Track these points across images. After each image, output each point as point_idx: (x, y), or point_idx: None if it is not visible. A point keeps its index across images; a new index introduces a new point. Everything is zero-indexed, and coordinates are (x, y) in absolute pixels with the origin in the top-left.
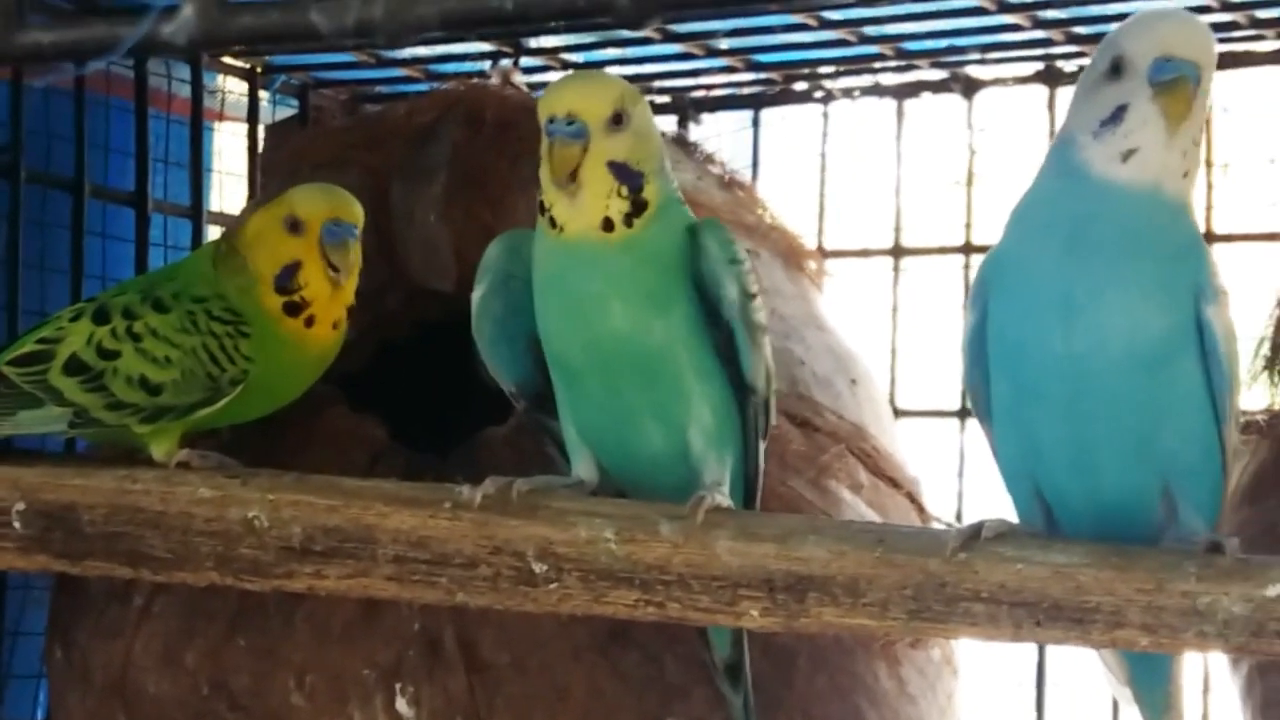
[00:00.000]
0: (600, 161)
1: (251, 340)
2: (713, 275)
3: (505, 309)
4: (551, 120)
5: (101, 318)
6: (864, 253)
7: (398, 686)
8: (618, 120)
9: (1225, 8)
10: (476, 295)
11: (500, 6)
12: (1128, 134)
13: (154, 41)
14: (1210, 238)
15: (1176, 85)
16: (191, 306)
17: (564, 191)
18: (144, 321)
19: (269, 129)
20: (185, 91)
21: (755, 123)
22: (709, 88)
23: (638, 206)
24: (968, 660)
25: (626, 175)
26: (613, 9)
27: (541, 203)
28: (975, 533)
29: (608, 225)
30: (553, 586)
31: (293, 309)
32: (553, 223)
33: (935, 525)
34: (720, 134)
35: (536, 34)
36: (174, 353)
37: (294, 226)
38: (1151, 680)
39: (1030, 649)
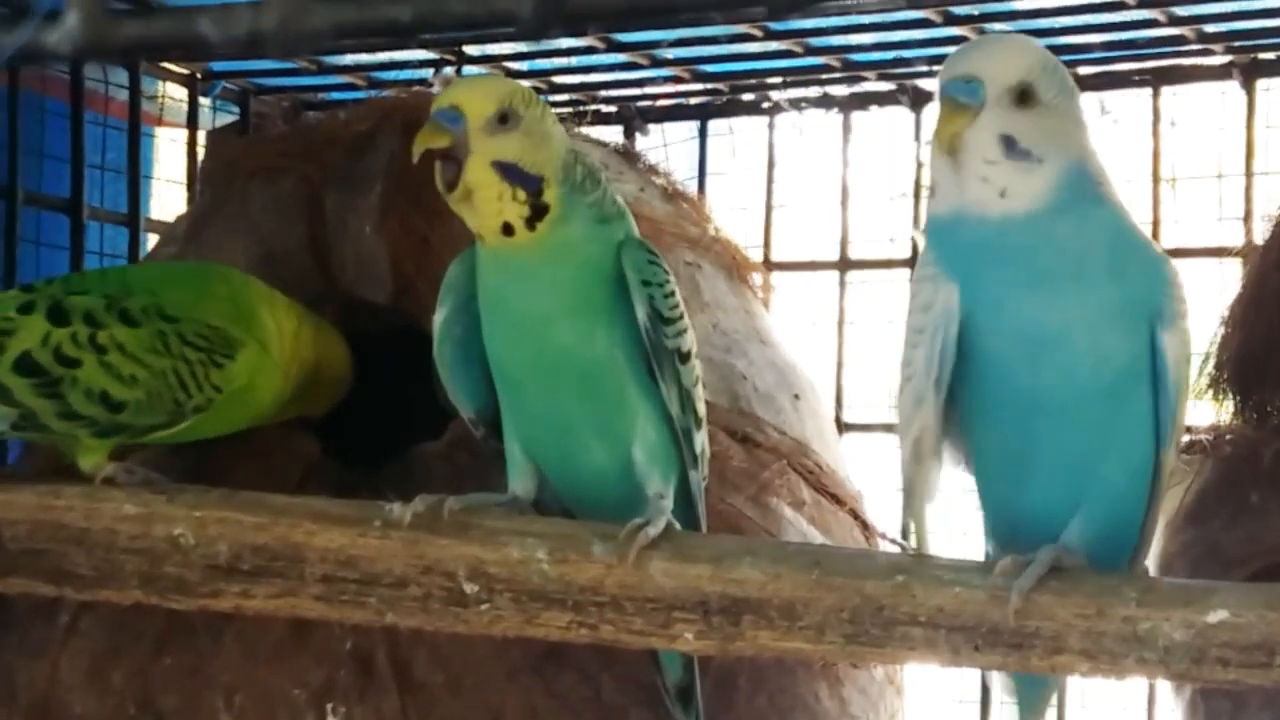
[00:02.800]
0: (484, 162)
1: (238, 364)
2: (631, 294)
3: (466, 332)
4: (435, 112)
5: (59, 318)
6: (810, 265)
7: (329, 707)
8: (503, 120)
9: (1172, 22)
10: (438, 319)
11: (397, 16)
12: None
13: (37, 49)
14: None
15: (941, 105)
16: (163, 326)
17: (457, 199)
18: (110, 333)
19: (209, 135)
20: (123, 96)
21: (702, 133)
22: (655, 98)
23: (537, 210)
24: (912, 678)
25: (519, 177)
26: (513, 19)
27: None
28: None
29: (508, 229)
30: (484, 607)
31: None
32: (476, 232)
33: (880, 542)
34: (667, 144)
35: (451, 43)
36: (141, 372)
37: None
38: (1032, 678)
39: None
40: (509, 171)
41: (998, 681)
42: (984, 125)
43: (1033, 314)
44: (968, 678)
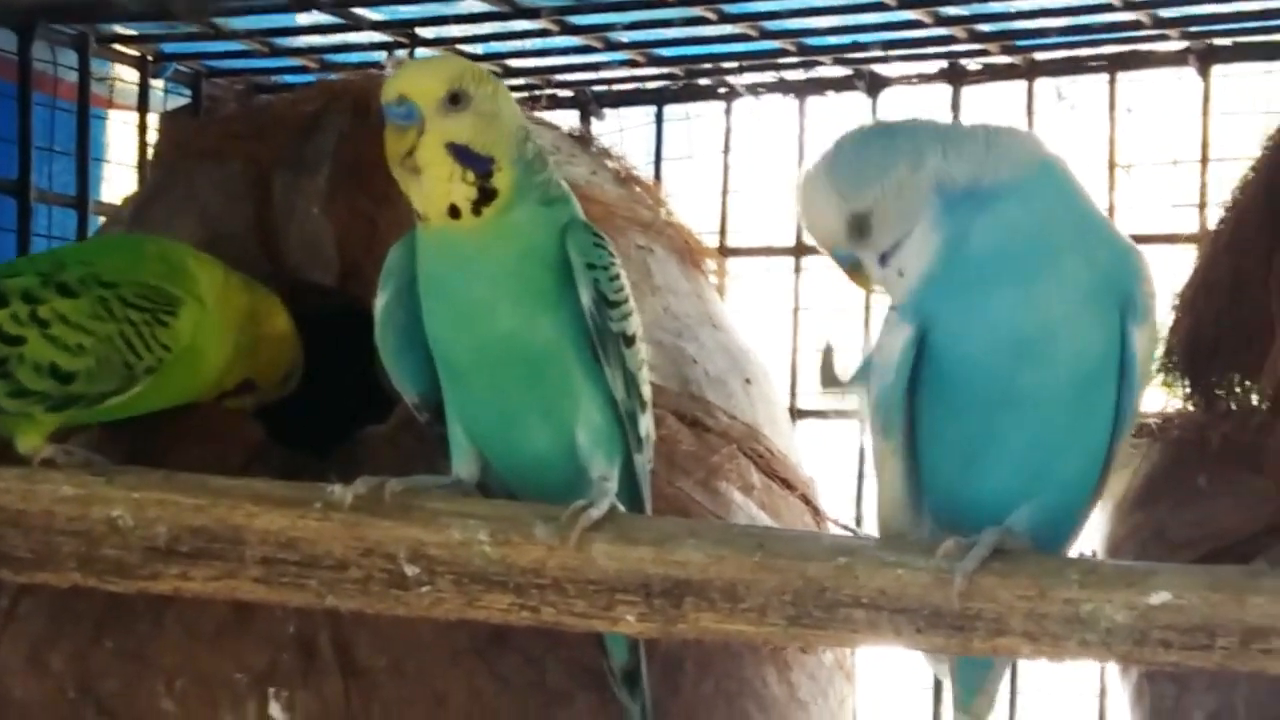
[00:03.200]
0: (438, 143)
1: (182, 321)
2: (576, 278)
3: (409, 316)
4: (385, 106)
5: None
6: (766, 251)
7: (271, 691)
8: (455, 100)
9: (1128, 7)
10: (379, 304)
11: None
12: None
13: None
14: None
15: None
16: (102, 292)
17: (409, 177)
18: (50, 306)
19: (162, 118)
20: (72, 77)
21: (658, 118)
22: (611, 82)
23: (485, 194)
24: (865, 665)
25: (470, 159)
26: None
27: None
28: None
29: (454, 212)
30: (425, 589)
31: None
32: (417, 214)
33: (831, 527)
34: (624, 129)
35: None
36: (88, 340)
37: None
38: (973, 664)
39: None
40: (461, 153)
41: (941, 671)
42: (868, 265)
43: (1011, 312)
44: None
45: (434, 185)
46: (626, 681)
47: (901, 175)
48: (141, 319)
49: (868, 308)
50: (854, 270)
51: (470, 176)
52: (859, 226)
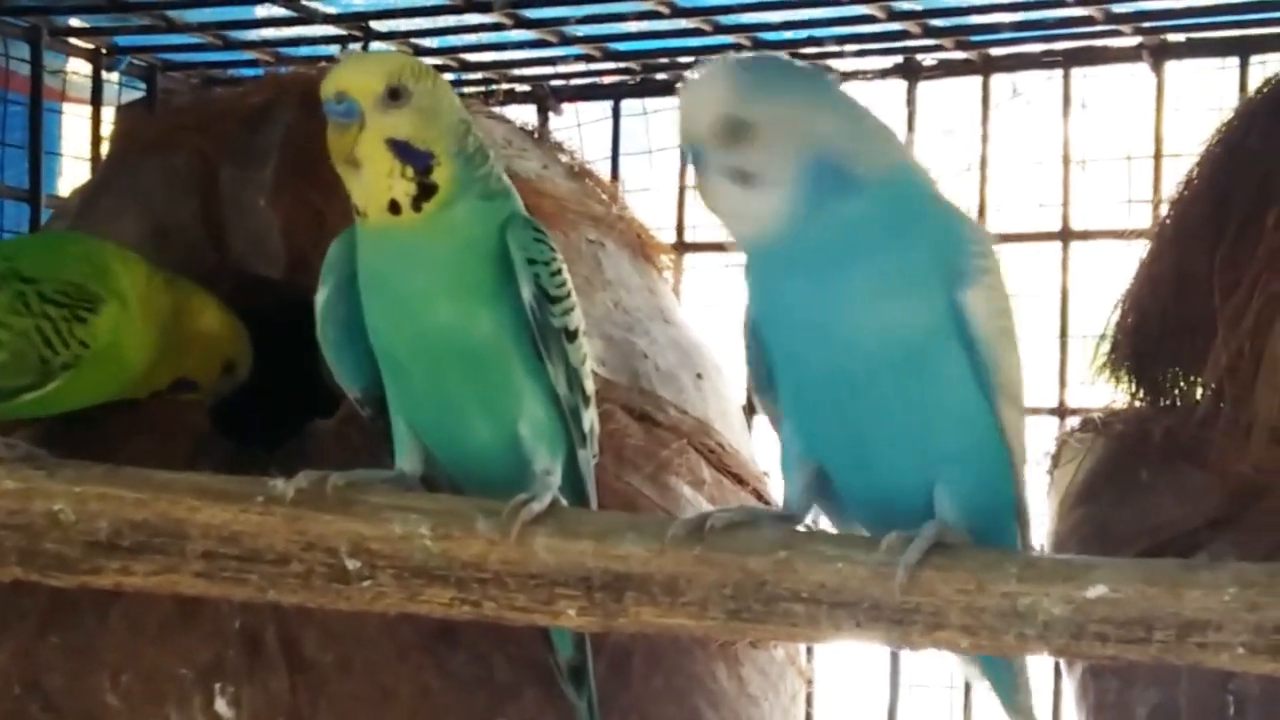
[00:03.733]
0: (378, 139)
1: (101, 318)
2: (516, 273)
3: (350, 311)
4: (325, 102)
5: None
6: (723, 246)
7: (217, 686)
8: (394, 96)
9: (1081, 3)
10: (320, 298)
11: None
12: None
13: None
14: (1067, 234)
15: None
16: (21, 287)
17: (350, 172)
18: None
19: (117, 111)
20: (25, 70)
21: (615, 112)
22: (568, 77)
23: (425, 189)
24: (823, 660)
25: (409, 154)
26: None
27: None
28: (701, 523)
29: (394, 208)
30: (366, 584)
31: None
32: (356, 210)
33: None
34: (581, 124)
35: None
36: (3, 334)
37: None
38: (999, 662)
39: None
40: (400, 149)
41: (973, 674)
42: (718, 172)
43: (814, 315)
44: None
45: (374, 181)
46: (573, 677)
47: (802, 115)
48: (59, 315)
49: None
50: (696, 167)
51: (410, 172)
52: (734, 132)
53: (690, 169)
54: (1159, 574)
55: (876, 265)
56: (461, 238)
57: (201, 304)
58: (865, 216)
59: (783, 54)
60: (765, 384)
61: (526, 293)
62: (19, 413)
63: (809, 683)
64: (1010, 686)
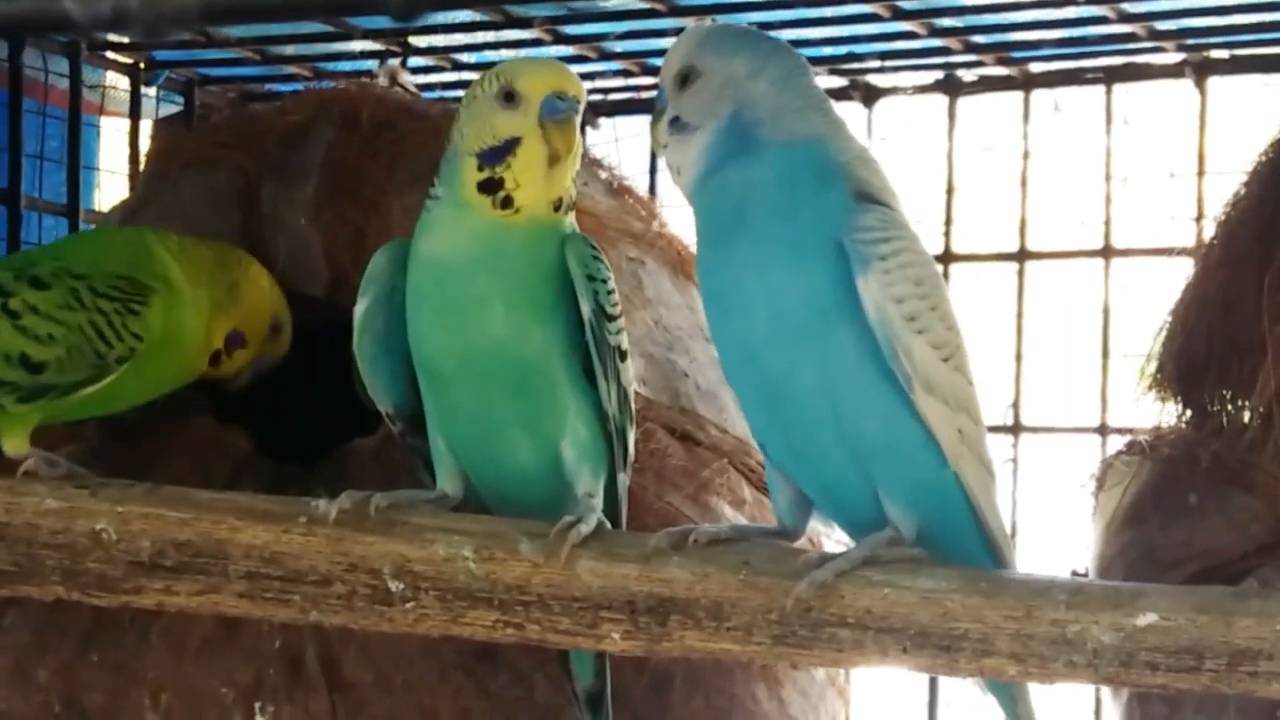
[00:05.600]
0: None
1: (153, 309)
2: (577, 289)
3: (388, 324)
4: (560, 97)
5: None
6: None
7: (257, 705)
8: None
9: (1124, 19)
10: (359, 310)
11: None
12: None
13: None
14: (1108, 252)
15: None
16: (73, 284)
17: (542, 163)
18: (21, 299)
19: (155, 125)
20: (64, 84)
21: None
22: (606, 91)
23: (572, 198)
24: (860, 682)
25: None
26: (380, 3)
27: (494, 181)
28: (684, 536)
29: (558, 205)
30: (409, 606)
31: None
32: (507, 202)
33: (824, 544)
34: (618, 139)
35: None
36: (58, 330)
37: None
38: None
39: None
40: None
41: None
42: (665, 117)
43: (717, 282)
44: (918, 681)
45: (562, 179)
46: (590, 705)
47: (737, 70)
48: (112, 308)
49: None
50: (655, 118)
51: (574, 179)
52: (683, 78)
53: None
54: (1210, 602)
55: (757, 234)
56: (542, 248)
57: (240, 256)
58: (749, 181)
59: (822, 70)
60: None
61: (587, 309)
62: (79, 412)
63: (846, 704)
64: (1010, 698)
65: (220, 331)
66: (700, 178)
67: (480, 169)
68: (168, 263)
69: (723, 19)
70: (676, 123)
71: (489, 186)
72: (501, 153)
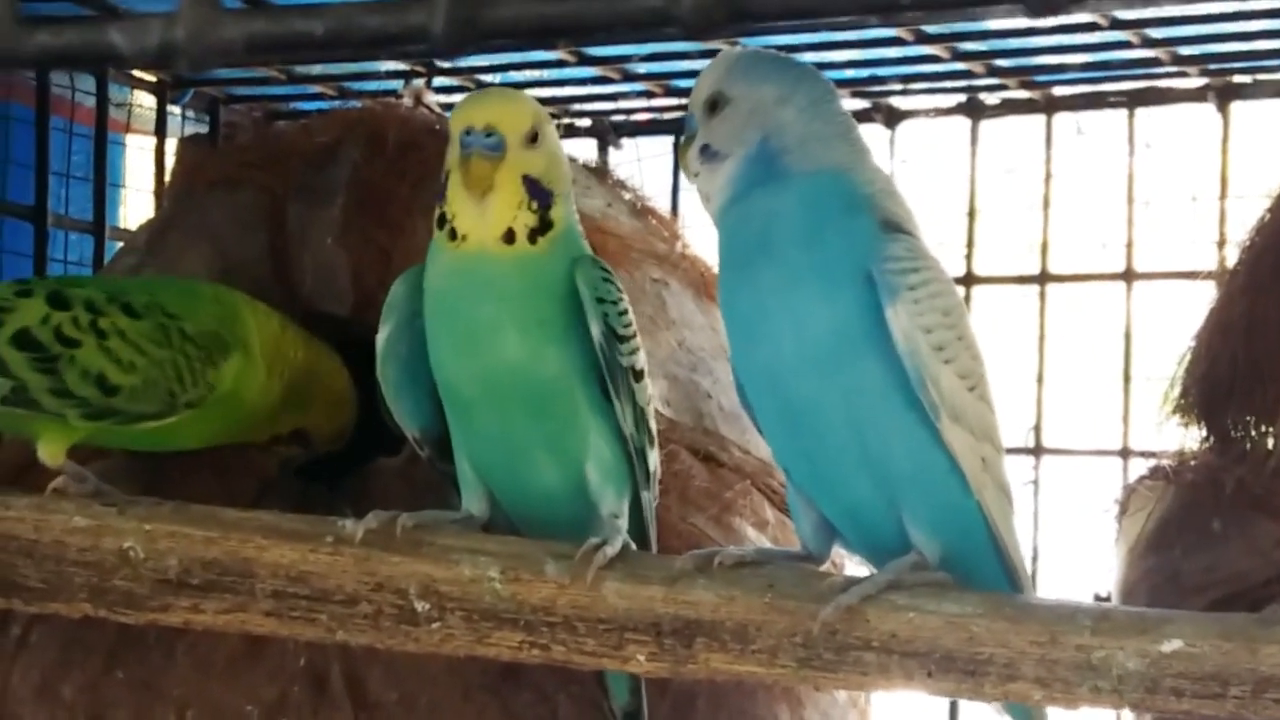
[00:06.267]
0: (516, 174)
1: (228, 365)
2: (586, 312)
3: (411, 350)
4: (468, 132)
5: (59, 303)
6: None
7: None
8: (534, 138)
9: (1147, 44)
10: (381, 337)
11: (309, 30)
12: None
13: None
14: (1130, 275)
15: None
16: (165, 320)
17: (473, 199)
18: (111, 320)
19: (179, 144)
20: (90, 102)
21: (676, 149)
22: (630, 112)
23: (544, 224)
24: (880, 702)
25: (537, 191)
26: (426, 35)
27: (442, 215)
28: (710, 559)
29: (510, 237)
30: (435, 626)
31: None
32: (453, 234)
33: (845, 567)
34: (641, 159)
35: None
36: (141, 360)
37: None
38: None
39: None
40: (532, 186)
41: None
42: (695, 145)
43: (741, 308)
44: (938, 703)
45: (500, 210)
46: None
47: (765, 98)
48: (196, 354)
49: None
50: (685, 144)
51: (534, 206)
52: (712, 105)
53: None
54: (1235, 629)
55: (783, 261)
56: (543, 274)
57: (334, 367)
58: (774, 209)
59: (844, 92)
60: (742, 391)
61: (596, 331)
62: (129, 441)
63: None
64: (1027, 716)
65: (287, 423)
66: (726, 204)
67: (437, 204)
68: (251, 330)
69: (746, 41)
70: (707, 150)
71: (440, 220)
72: (444, 188)
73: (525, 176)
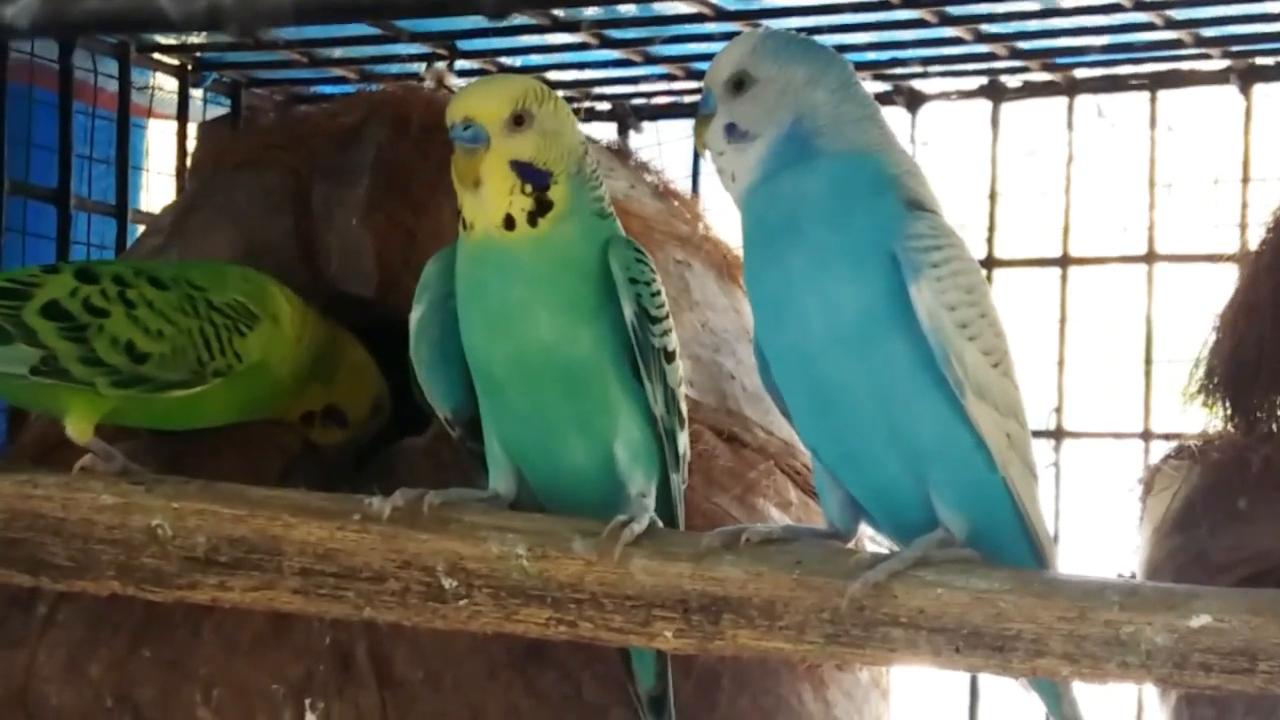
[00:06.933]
0: (502, 161)
1: (256, 335)
2: (619, 292)
3: (443, 330)
4: (452, 127)
5: (88, 277)
6: None
7: (308, 702)
8: (519, 121)
9: (1170, 25)
10: (414, 317)
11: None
12: None
13: None
14: (1152, 257)
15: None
16: (191, 292)
17: (467, 190)
18: (139, 291)
19: (200, 127)
20: (112, 86)
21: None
22: (650, 95)
23: (542, 205)
24: (901, 682)
25: (530, 174)
26: (475, 2)
27: (458, 207)
28: (737, 536)
29: (509, 223)
30: (462, 603)
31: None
32: (464, 224)
33: (867, 544)
34: (661, 143)
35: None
36: (168, 328)
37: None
38: None
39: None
40: (523, 169)
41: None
42: (718, 122)
43: (767, 289)
44: (959, 683)
45: (493, 198)
46: (653, 707)
47: (794, 79)
48: (223, 323)
49: None
50: (701, 120)
51: (529, 189)
52: (736, 84)
53: (699, 115)
54: (1264, 604)
55: (810, 242)
56: (566, 255)
57: (349, 340)
58: (803, 190)
59: (866, 74)
60: (765, 372)
61: (629, 312)
62: (164, 417)
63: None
64: (1054, 694)
65: (317, 398)
66: (755, 184)
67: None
68: (280, 304)
69: (767, 23)
70: (733, 130)
71: (457, 210)
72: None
73: (513, 161)
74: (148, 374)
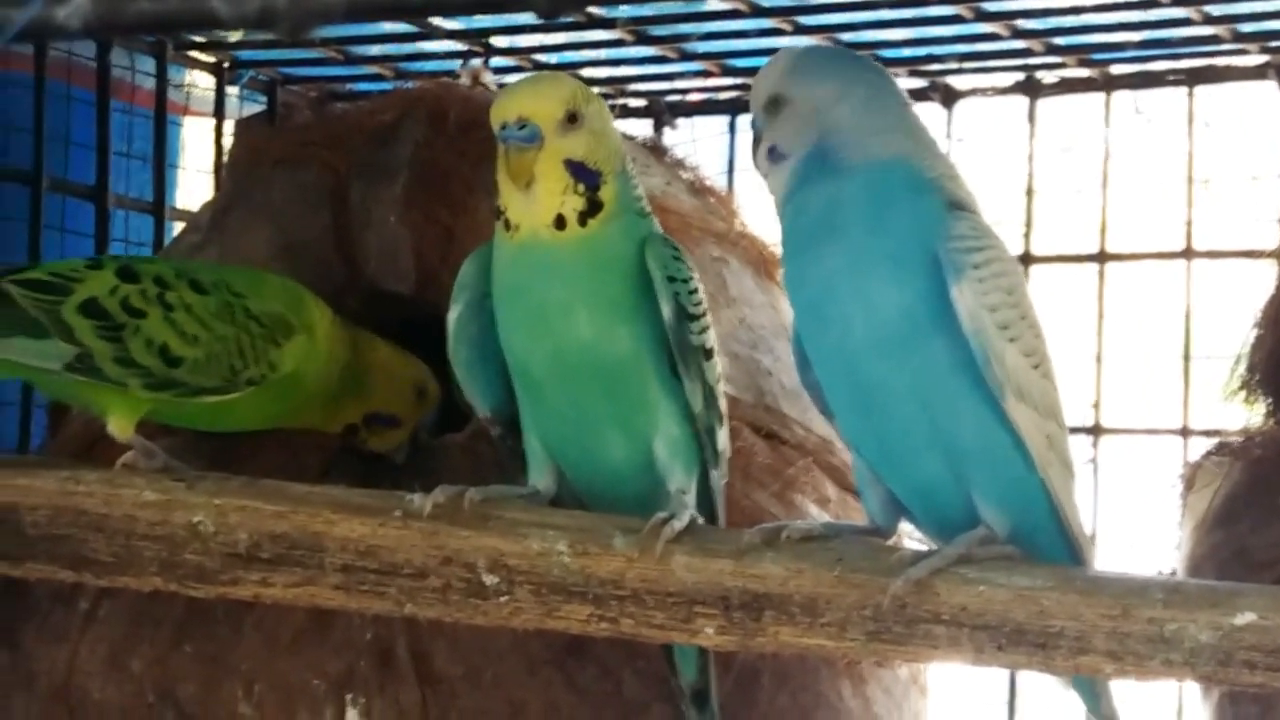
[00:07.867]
0: (556, 160)
1: (291, 346)
2: (656, 290)
3: (481, 329)
4: (504, 126)
5: (129, 276)
6: None
7: (349, 697)
8: (572, 119)
9: (1208, 21)
10: (452, 316)
11: None
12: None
13: (47, 25)
14: (1190, 254)
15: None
16: (230, 298)
17: (517, 189)
18: (178, 294)
19: (236, 125)
20: (149, 84)
21: (732, 128)
22: (685, 92)
23: (593, 206)
24: (939, 679)
25: (583, 173)
26: (526, 1)
27: (498, 206)
28: (777, 532)
29: (560, 223)
30: (504, 599)
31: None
32: (507, 224)
33: (904, 541)
34: (696, 139)
35: (478, 34)
36: (204, 334)
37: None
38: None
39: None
40: (576, 169)
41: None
42: (763, 147)
43: (809, 292)
44: (998, 680)
45: (545, 198)
46: (696, 701)
47: (824, 96)
48: (259, 332)
49: None
50: (754, 145)
51: (581, 189)
52: (772, 105)
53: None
54: None
55: (850, 244)
56: (608, 254)
57: (373, 341)
58: (836, 197)
59: (902, 70)
60: (805, 370)
61: (667, 310)
62: (198, 420)
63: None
64: (1092, 692)
65: (353, 411)
66: (786, 198)
67: (496, 195)
68: (317, 317)
69: (802, 20)
70: (774, 152)
71: (497, 212)
72: (496, 181)
73: (567, 160)
74: (180, 378)
